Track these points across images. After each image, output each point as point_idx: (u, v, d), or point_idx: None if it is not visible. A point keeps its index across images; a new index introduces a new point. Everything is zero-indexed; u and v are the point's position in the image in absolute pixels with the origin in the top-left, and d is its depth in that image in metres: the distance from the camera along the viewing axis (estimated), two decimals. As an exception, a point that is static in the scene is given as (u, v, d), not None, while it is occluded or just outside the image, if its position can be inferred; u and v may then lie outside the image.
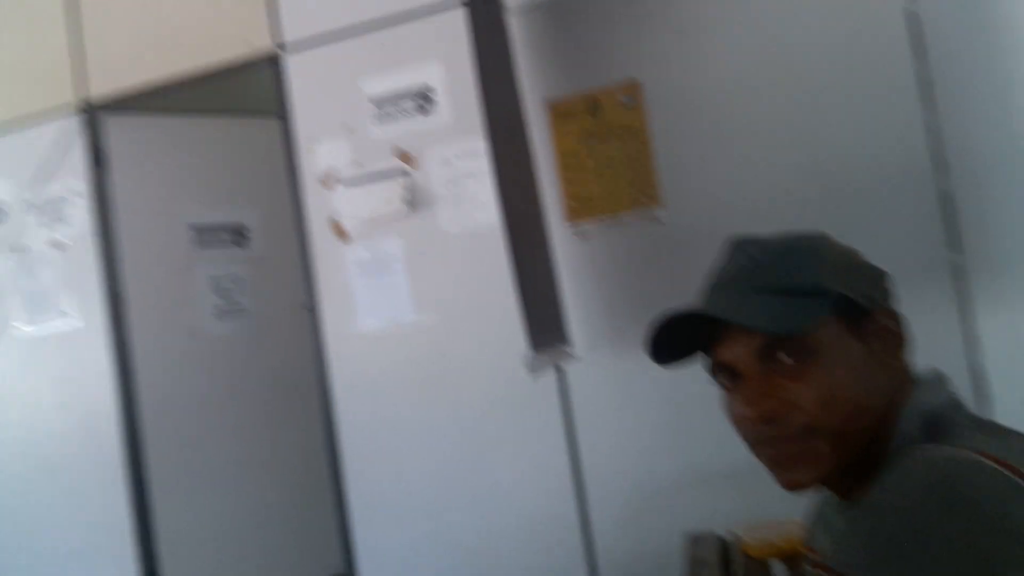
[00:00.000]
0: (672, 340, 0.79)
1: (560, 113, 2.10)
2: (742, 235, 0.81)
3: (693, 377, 1.86)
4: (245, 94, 2.58)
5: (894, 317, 0.77)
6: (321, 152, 2.21)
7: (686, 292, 1.89)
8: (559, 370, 2.00)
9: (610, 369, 1.98)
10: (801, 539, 1.48)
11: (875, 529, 0.62)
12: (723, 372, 0.78)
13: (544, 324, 1.68)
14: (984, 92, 1.59)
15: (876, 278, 0.79)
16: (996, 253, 1.72)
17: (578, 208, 2.07)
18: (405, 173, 2.15)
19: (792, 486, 0.74)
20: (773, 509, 1.78)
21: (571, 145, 2.09)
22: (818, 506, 0.89)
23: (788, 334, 0.71)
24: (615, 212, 2.04)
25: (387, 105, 2.18)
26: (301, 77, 2.23)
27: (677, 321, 0.77)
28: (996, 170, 1.60)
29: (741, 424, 0.76)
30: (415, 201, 2.14)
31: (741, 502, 1.83)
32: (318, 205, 2.20)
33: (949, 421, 0.72)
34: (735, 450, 1.85)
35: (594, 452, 1.97)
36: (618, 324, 2.00)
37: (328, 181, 2.20)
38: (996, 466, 0.61)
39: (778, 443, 0.73)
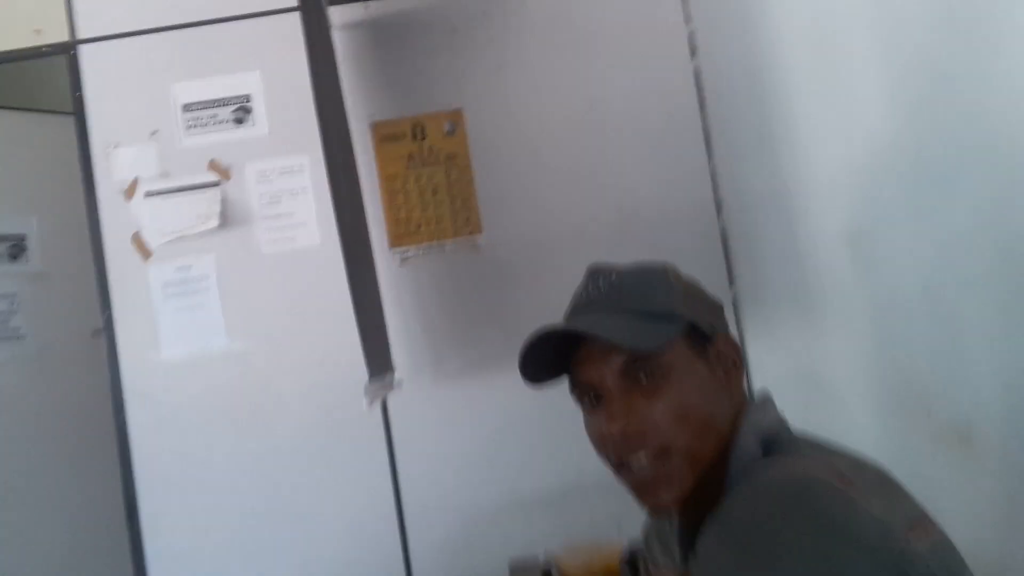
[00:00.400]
0: (541, 360, 0.83)
1: (385, 136, 2.07)
2: (599, 263, 0.87)
3: (511, 404, 1.94)
4: (37, 88, 2.28)
5: (731, 344, 0.84)
6: (123, 158, 2.01)
7: (505, 319, 1.98)
8: (382, 401, 1.96)
9: (430, 396, 1.97)
10: (615, 559, 1.57)
11: (732, 541, 0.67)
12: (586, 393, 0.82)
13: (376, 352, 1.64)
14: (752, 140, 1.78)
15: (715, 308, 0.86)
16: (762, 285, 1.92)
17: (402, 233, 2.05)
18: (218, 186, 2.01)
19: (657, 508, 0.80)
20: (589, 532, 1.87)
21: (396, 169, 2.06)
22: (653, 525, 0.96)
23: (649, 351, 0.76)
24: (438, 238, 2.04)
25: (200, 113, 2.03)
26: (100, 73, 2.02)
27: (546, 341, 0.81)
28: (761, 210, 1.80)
29: (604, 442, 0.80)
30: (229, 217, 2.00)
31: (559, 526, 1.90)
32: (116, 217, 1.99)
33: (781, 439, 0.79)
34: (552, 476, 1.95)
35: (414, 481, 1.95)
36: (439, 351, 1.99)
37: (131, 191, 2.00)
38: (835, 480, 0.68)
39: (639, 469, 0.77)
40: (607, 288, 0.83)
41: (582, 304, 0.85)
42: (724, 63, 1.93)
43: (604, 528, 1.86)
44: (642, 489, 0.79)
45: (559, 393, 1.93)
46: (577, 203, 2.02)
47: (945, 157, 1.08)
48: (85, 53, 2.03)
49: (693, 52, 2.06)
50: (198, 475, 1.92)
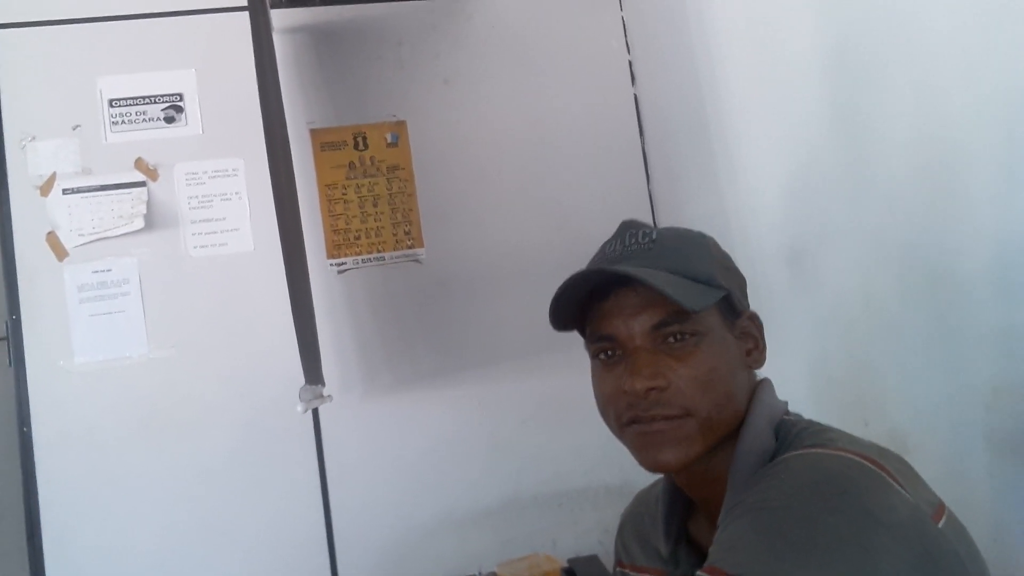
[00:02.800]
0: (568, 306, 0.78)
1: (325, 143, 2.02)
2: (634, 220, 0.84)
3: (445, 420, 1.91)
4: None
5: (757, 323, 0.84)
6: (40, 152, 1.88)
7: (441, 336, 1.95)
8: (314, 411, 1.89)
9: (363, 412, 1.91)
10: (554, 572, 1.55)
11: (767, 525, 0.65)
12: (604, 348, 0.78)
13: (310, 361, 1.58)
14: (690, 164, 1.85)
15: (744, 284, 0.85)
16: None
17: (340, 243, 2.00)
18: (144, 186, 1.92)
19: (658, 466, 0.76)
20: (525, 548, 1.85)
21: (335, 178, 2.02)
22: (631, 525, 0.94)
23: (693, 310, 0.73)
24: (378, 250, 2.01)
25: (127, 108, 1.93)
26: (18, 61, 1.89)
27: (584, 283, 0.76)
28: (700, 230, 1.85)
29: (617, 399, 0.76)
30: (154, 219, 1.90)
31: (494, 543, 1.87)
32: (30, 214, 1.85)
33: (792, 423, 0.78)
34: (487, 492, 1.92)
35: (345, 498, 1.87)
36: (372, 365, 1.94)
37: (47, 187, 1.87)
38: (869, 464, 0.67)
39: (652, 421, 0.74)
40: (647, 242, 0.79)
41: (616, 255, 0.79)
42: (663, 90, 1.99)
43: (540, 544, 1.84)
44: (648, 444, 0.75)
45: (492, 408, 1.93)
46: (519, 221, 2.03)
47: (884, 173, 1.14)
48: (2, 38, 1.91)
49: (633, 79, 2.12)
50: (110, 491, 1.79)
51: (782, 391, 0.86)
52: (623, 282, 0.77)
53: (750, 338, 0.82)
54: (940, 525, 0.67)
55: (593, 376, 0.81)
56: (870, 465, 0.67)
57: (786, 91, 1.39)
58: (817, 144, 1.31)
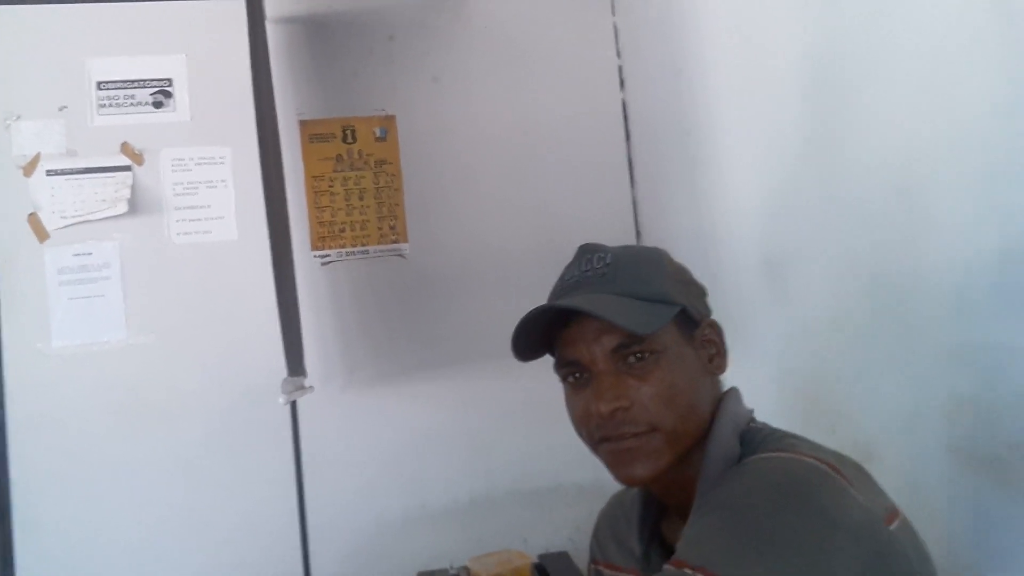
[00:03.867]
0: (531, 337, 0.82)
1: (313, 135, 2.03)
2: (590, 243, 0.87)
3: (422, 415, 1.93)
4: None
5: (717, 330, 0.87)
6: (24, 131, 1.87)
7: (422, 331, 1.96)
8: (292, 403, 1.89)
9: (341, 404, 1.92)
10: (526, 568, 1.57)
11: (728, 523, 0.69)
12: (572, 371, 0.82)
13: (293, 352, 1.59)
14: (674, 171, 1.88)
15: (702, 293, 0.88)
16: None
17: (325, 235, 2.01)
18: (129, 171, 1.91)
19: (631, 480, 0.80)
20: (497, 544, 1.87)
21: (323, 169, 2.03)
22: (607, 524, 0.97)
23: (645, 334, 0.77)
24: (362, 244, 2.02)
25: (115, 92, 1.92)
26: (5, 38, 1.87)
27: (542, 317, 0.80)
28: (680, 238, 1.88)
29: (587, 420, 0.80)
30: (138, 204, 1.90)
31: (466, 538, 1.88)
32: (12, 194, 1.84)
33: (761, 431, 0.82)
34: (461, 487, 1.94)
35: (319, 489, 1.88)
36: (352, 358, 1.96)
37: (30, 167, 1.86)
38: (828, 468, 0.71)
39: (620, 440, 0.78)
40: (601, 267, 0.82)
41: (574, 282, 0.83)
42: (650, 97, 2.02)
43: (511, 540, 1.86)
44: (619, 461, 0.79)
45: (468, 405, 1.94)
46: (503, 220, 2.05)
47: (858, 192, 1.17)
48: (-12, 16, 1.89)
49: (622, 84, 2.15)
50: (83, 476, 1.78)
51: (753, 398, 0.89)
52: (582, 313, 0.80)
53: (711, 344, 0.86)
54: (892, 528, 0.70)
55: (565, 398, 0.85)
56: (827, 469, 0.71)
57: (769, 105, 1.42)
58: (796, 159, 1.34)
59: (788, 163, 1.37)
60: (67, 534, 1.77)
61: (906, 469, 1.06)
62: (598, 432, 0.80)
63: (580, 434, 0.83)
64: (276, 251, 1.59)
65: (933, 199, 1.01)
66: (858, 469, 0.76)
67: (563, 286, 0.85)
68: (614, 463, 0.80)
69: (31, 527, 1.76)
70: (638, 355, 0.79)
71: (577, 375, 0.82)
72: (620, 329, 0.78)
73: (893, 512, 0.73)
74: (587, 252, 0.86)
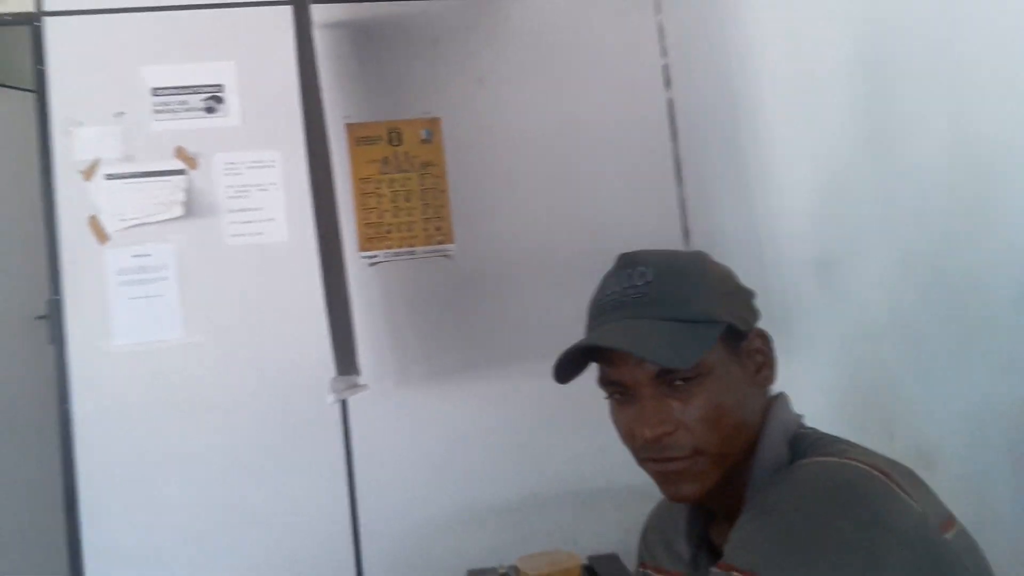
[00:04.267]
0: (572, 359, 0.81)
1: (360, 137, 2.06)
2: (630, 253, 0.84)
3: (472, 414, 1.94)
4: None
5: (765, 339, 0.85)
6: (84, 138, 1.93)
7: (470, 330, 1.98)
8: (342, 401, 1.93)
9: (392, 402, 1.95)
10: (575, 568, 1.58)
11: (775, 529, 0.68)
12: (616, 389, 0.81)
13: (344, 350, 1.62)
14: (722, 170, 1.86)
15: (749, 300, 0.86)
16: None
17: (372, 236, 2.03)
18: (184, 174, 1.96)
19: (678, 499, 0.80)
20: (546, 544, 1.88)
21: (369, 172, 2.05)
22: (656, 527, 0.96)
23: (686, 367, 0.75)
24: (409, 244, 2.04)
25: (169, 98, 1.98)
26: (65, 48, 1.94)
27: (580, 352, 0.80)
28: (729, 238, 1.86)
29: (632, 439, 0.80)
30: (193, 207, 1.95)
31: (515, 537, 1.90)
32: (73, 198, 1.91)
33: (809, 437, 0.80)
34: (511, 487, 1.95)
35: (370, 486, 1.92)
36: (403, 357, 1.98)
37: (90, 172, 1.93)
38: (877, 473, 0.69)
39: (665, 462, 0.78)
40: (642, 284, 0.80)
41: (613, 302, 0.82)
42: (697, 96, 2.00)
43: (560, 541, 1.87)
44: (666, 481, 0.79)
45: (519, 404, 1.95)
46: (549, 221, 2.05)
47: (915, 187, 1.15)
48: (50, 26, 1.96)
49: (668, 83, 2.13)
50: (144, 469, 1.85)
51: (805, 404, 0.87)
52: None
53: (759, 354, 0.83)
54: (948, 537, 0.68)
55: (611, 411, 0.84)
56: (878, 474, 0.70)
57: (820, 101, 1.40)
58: (849, 156, 1.32)
59: (841, 161, 1.35)
60: (130, 523, 1.84)
61: (969, 477, 1.03)
62: (643, 453, 0.80)
63: (627, 447, 0.83)
64: (325, 251, 1.62)
65: (994, 197, 0.99)
66: (911, 476, 0.74)
67: (602, 304, 0.83)
68: (661, 481, 0.80)
69: (97, 516, 1.83)
70: (682, 378, 0.77)
71: (622, 392, 0.81)
72: None
73: (949, 520, 0.71)
74: (626, 265, 0.83)
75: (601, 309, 0.84)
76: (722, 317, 0.80)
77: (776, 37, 1.56)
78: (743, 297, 0.85)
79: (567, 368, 0.83)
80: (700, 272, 0.83)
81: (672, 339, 0.77)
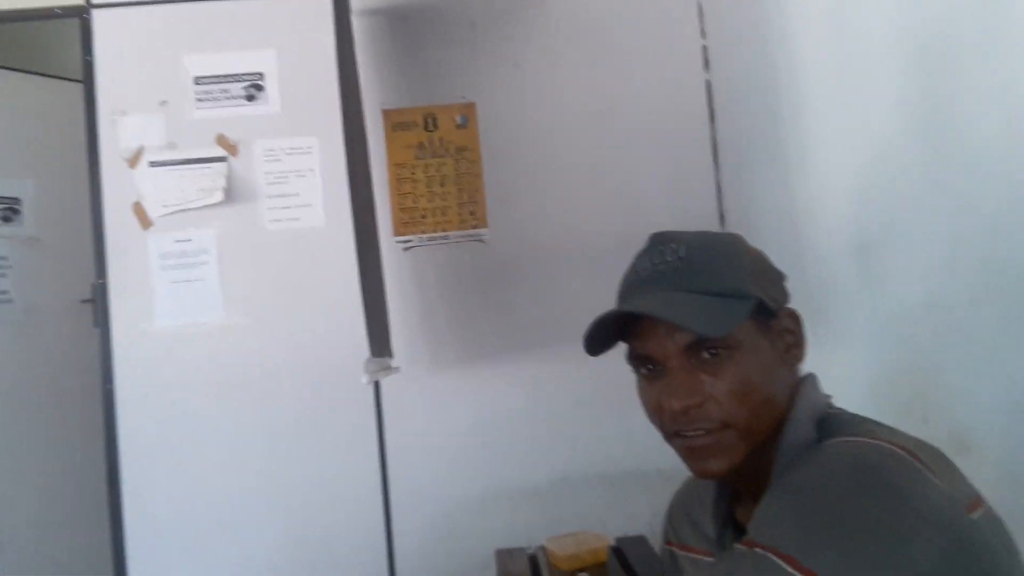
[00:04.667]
0: (603, 331, 0.81)
1: (396, 123, 2.07)
2: (663, 232, 0.84)
3: (503, 397, 1.95)
4: (44, 50, 2.25)
5: (795, 319, 0.84)
6: (129, 126, 1.99)
7: (503, 314, 1.98)
8: (376, 383, 1.95)
9: (424, 385, 1.97)
10: (603, 548, 1.57)
11: (801, 507, 0.68)
12: (644, 364, 0.81)
13: (378, 333, 1.64)
14: (759, 153, 1.82)
15: (780, 280, 0.85)
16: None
17: (407, 221, 2.05)
18: (225, 161, 2.00)
19: (706, 474, 0.80)
20: (574, 525, 1.88)
21: (405, 157, 2.07)
22: (682, 506, 0.96)
23: (719, 336, 0.75)
24: (443, 229, 2.05)
25: (211, 86, 2.02)
26: (112, 39, 2.00)
27: (614, 317, 0.80)
28: (765, 221, 1.82)
29: (660, 413, 0.80)
30: (233, 193, 1.99)
31: (544, 519, 1.91)
32: (119, 185, 1.97)
33: (838, 418, 0.79)
34: (540, 469, 1.96)
35: (402, 466, 1.94)
36: (436, 340, 2.00)
37: (135, 160, 1.98)
38: (903, 453, 0.68)
39: (693, 436, 0.78)
40: (674, 260, 0.80)
41: (646, 277, 0.81)
42: (736, 77, 1.97)
43: (589, 523, 1.87)
44: (693, 456, 0.79)
45: (549, 388, 1.96)
46: (584, 205, 2.04)
47: (962, 173, 1.11)
48: (98, 18, 2.02)
49: (706, 65, 2.10)
50: (184, 446, 1.91)
51: (841, 386, 0.86)
52: None
53: (789, 334, 0.83)
54: (975, 517, 0.67)
55: (638, 388, 0.84)
56: (904, 454, 0.68)
57: (863, 82, 1.36)
58: (892, 139, 1.28)
59: (885, 144, 1.31)
60: (170, 499, 1.90)
61: (1004, 461, 1.00)
62: (671, 427, 0.79)
63: (654, 424, 0.83)
64: (360, 235, 1.64)
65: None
66: (938, 456, 0.73)
67: (634, 279, 0.83)
68: (688, 457, 0.80)
69: (138, 492, 1.89)
70: (712, 351, 0.77)
71: (650, 367, 0.81)
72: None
73: (976, 500, 0.69)
74: (659, 243, 0.83)
75: (632, 284, 0.84)
76: (753, 293, 0.79)
77: (818, 15, 1.52)
78: (774, 277, 0.85)
79: (597, 340, 0.82)
80: (733, 249, 0.83)
81: (703, 309, 0.76)
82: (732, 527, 0.86)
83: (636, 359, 0.82)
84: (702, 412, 0.77)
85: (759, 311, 0.80)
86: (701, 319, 0.75)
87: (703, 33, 2.11)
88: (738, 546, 0.68)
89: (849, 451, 0.71)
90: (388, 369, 1.63)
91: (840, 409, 0.82)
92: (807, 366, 0.86)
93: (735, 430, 0.77)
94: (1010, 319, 1.03)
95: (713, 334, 0.75)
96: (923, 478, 0.67)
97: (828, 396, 0.83)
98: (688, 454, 0.80)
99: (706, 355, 0.77)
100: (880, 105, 1.31)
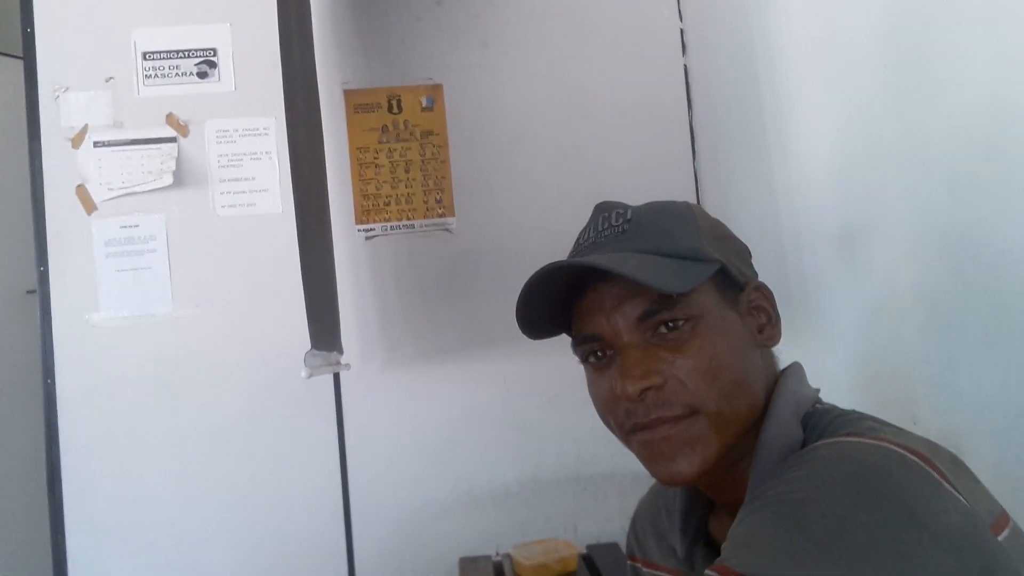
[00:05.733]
0: (541, 309, 0.70)
1: (358, 104, 1.97)
2: (608, 202, 0.74)
3: (467, 396, 1.85)
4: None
5: (766, 294, 0.73)
6: (72, 104, 1.86)
7: (468, 309, 1.89)
8: (335, 379, 1.85)
9: (385, 382, 1.87)
10: (572, 557, 1.49)
11: (789, 523, 0.55)
12: (592, 349, 0.69)
13: (323, 327, 1.54)
14: (739, 138, 1.74)
15: (744, 252, 0.74)
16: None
17: (369, 209, 1.95)
18: (175, 142, 1.88)
19: (672, 478, 0.66)
20: (544, 531, 1.80)
21: (367, 141, 1.96)
22: (647, 519, 0.86)
23: (678, 292, 0.64)
24: (408, 217, 1.95)
25: (161, 62, 1.90)
26: (54, 10, 1.86)
27: (549, 281, 0.68)
28: (744, 210, 1.75)
29: (614, 406, 0.68)
30: (183, 176, 1.87)
31: (512, 524, 1.81)
32: (61, 166, 1.84)
33: (824, 413, 0.67)
34: (507, 472, 1.86)
35: (363, 469, 1.84)
36: (401, 334, 1.90)
37: (78, 139, 1.85)
38: (916, 459, 0.57)
39: (656, 426, 0.65)
40: (620, 224, 0.70)
41: (589, 243, 0.71)
42: (715, 61, 1.88)
43: (560, 528, 1.79)
44: (657, 455, 0.66)
45: (517, 386, 1.87)
46: (555, 194, 1.95)
47: (947, 154, 1.04)
48: (37, -11, 1.88)
49: (684, 49, 2.01)
50: (130, 446, 1.78)
51: (822, 384, 0.77)
52: (599, 275, 0.68)
53: (760, 312, 0.72)
54: (1001, 538, 0.56)
55: (587, 382, 0.72)
56: (917, 460, 0.56)
57: (845, 65, 1.29)
58: (874, 121, 1.21)
59: (867, 129, 1.24)
60: (114, 502, 1.77)
61: (1000, 466, 0.93)
62: (628, 420, 0.66)
63: (608, 425, 0.70)
64: (303, 221, 1.54)
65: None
66: (957, 463, 0.61)
67: (576, 251, 0.73)
68: (650, 457, 0.66)
69: (80, 495, 1.77)
70: (670, 324, 0.65)
71: (599, 353, 0.69)
72: (648, 292, 0.64)
73: (1002, 517, 0.58)
74: (603, 210, 0.73)
75: (574, 255, 0.73)
76: (713, 256, 0.68)
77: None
78: (738, 247, 0.74)
79: (533, 317, 0.71)
80: (685, 212, 0.72)
81: (659, 266, 0.65)
82: (704, 543, 0.76)
83: (582, 345, 0.70)
84: (663, 396, 0.65)
85: (724, 283, 0.69)
86: (653, 275, 0.64)
87: (681, 16, 2.02)
88: (709, 573, 0.55)
89: (846, 454, 0.59)
90: (335, 365, 1.52)
91: (831, 405, 0.70)
92: (784, 362, 0.76)
93: (704, 416, 0.65)
94: (997, 308, 0.96)
95: (669, 290, 0.63)
96: (939, 490, 0.55)
97: (816, 389, 0.72)
98: (651, 453, 0.67)
99: (664, 329, 0.66)
100: (863, 88, 1.24)
